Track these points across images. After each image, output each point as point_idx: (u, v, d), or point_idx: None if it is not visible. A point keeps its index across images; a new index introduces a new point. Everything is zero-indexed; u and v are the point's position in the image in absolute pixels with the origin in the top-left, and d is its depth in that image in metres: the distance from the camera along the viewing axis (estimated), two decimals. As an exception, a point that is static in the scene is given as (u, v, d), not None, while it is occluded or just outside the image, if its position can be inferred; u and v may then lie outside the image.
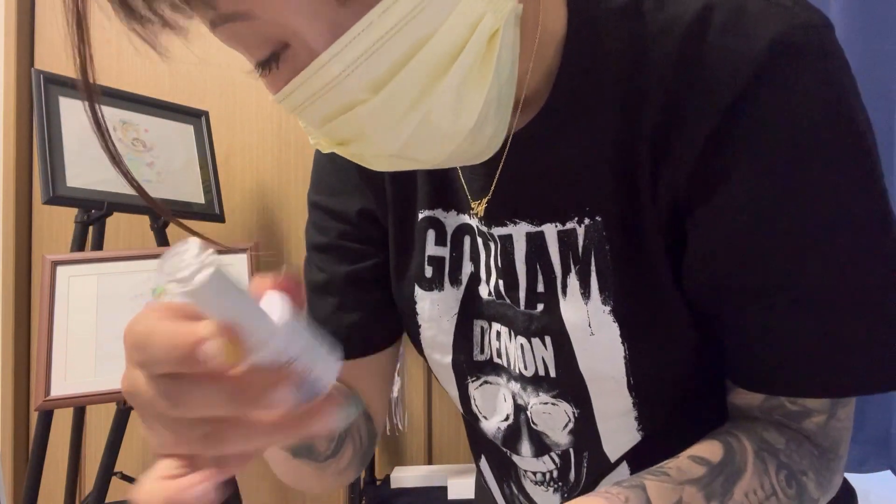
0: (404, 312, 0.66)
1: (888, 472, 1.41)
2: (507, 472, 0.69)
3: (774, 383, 0.51)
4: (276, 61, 0.40)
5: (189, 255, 0.26)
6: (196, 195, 1.79)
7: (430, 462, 2.03)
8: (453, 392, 0.67)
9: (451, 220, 0.61)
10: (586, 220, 0.52)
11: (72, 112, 1.58)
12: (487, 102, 0.41)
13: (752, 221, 0.47)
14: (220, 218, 1.82)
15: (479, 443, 0.72)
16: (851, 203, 0.45)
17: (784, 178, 0.45)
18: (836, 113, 0.44)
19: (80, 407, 1.73)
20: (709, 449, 0.50)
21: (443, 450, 2.03)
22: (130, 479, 1.65)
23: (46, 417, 1.55)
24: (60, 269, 1.52)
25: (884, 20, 1.34)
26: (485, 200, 0.56)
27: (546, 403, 0.60)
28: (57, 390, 1.45)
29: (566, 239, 0.53)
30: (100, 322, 1.51)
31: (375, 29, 0.36)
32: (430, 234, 0.62)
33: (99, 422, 2.00)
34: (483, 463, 0.73)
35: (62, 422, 1.83)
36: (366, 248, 0.66)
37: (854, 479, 1.41)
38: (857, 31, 1.35)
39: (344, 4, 0.37)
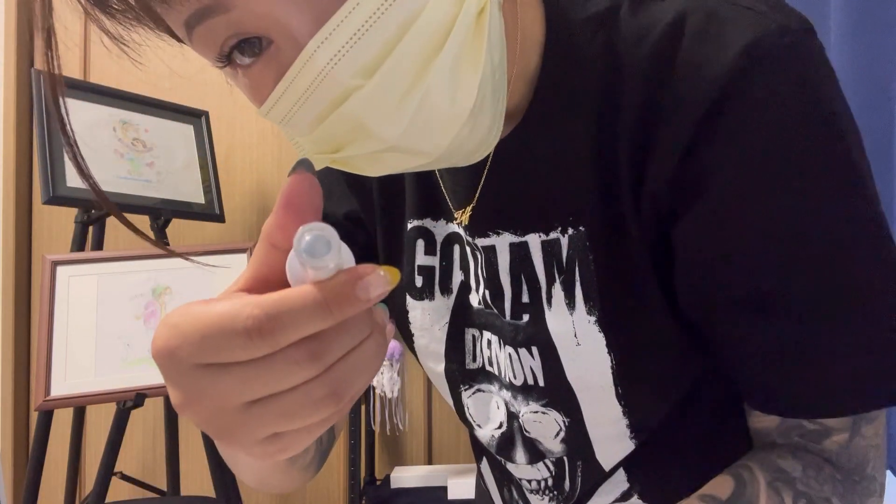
0: (397, 321, 0.66)
1: (888, 473, 1.41)
2: (507, 477, 0.69)
3: (785, 404, 0.48)
4: (257, 56, 0.39)
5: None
6: (196, 195, 1.79)
7: (430, 462, 2.03)
8: (448, 400, 0.67)
9: (441, 229, 0.61)
10: (570, 230, 0.51)
11: (72, 112, 1.57)
12: (483, 83, 0.40)
13: (734, 231, 0.45)
14: (220, 218, 1.82)
15: (479, 446, 0.71)
16: (834, 208, 0.44)
17: (760, 186, 0.44)
18: (813, 118, 0.43)
19: (80, 407, 1.73)
20: (719, 485, 0.48)
21: (443, 450, 2.03)
22: (130, 479, 1.65)
23: (46, 417, 1.55)
24: (60, 269, 1.52)
25: (883, 20, 1.34)
26: (469, 208, 0.56)
27: (536, 412, 0.59)
28: (57, 390, 1.45)
29: (550, 249, 0.53)
30: (100, 322, 1.51)
31: (362, 10, 0.35)
32: (420, 244, 0.62)
33: (99, 422, 2.00)
34: (484, 465, 0.72)
35: (62, 422, 1.83)
36: (350, 248, 0.66)
37: (854, 478, 1.41)
38: (856, 30, 1.35)
39: None
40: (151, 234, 1.73)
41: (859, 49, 1.34)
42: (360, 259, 0.67)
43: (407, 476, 1.81)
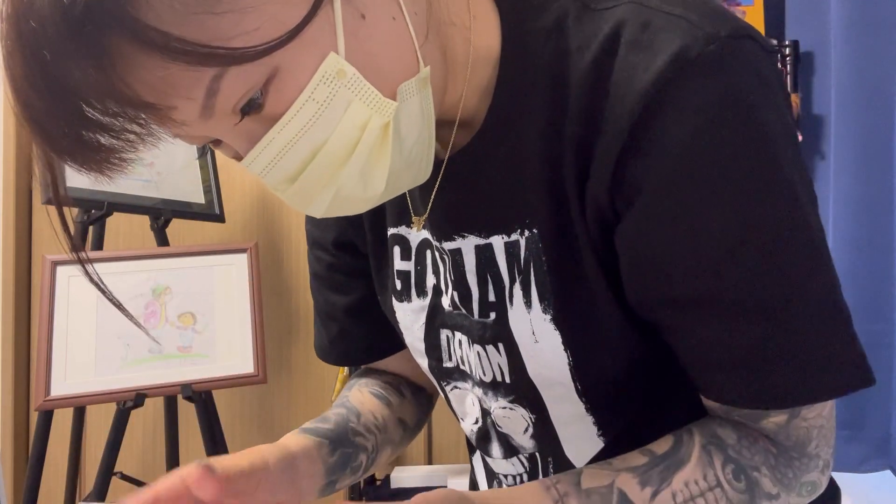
0: (392, 320, 0.69)
1: (888, 472, 1.41)
2: (493, 471, 0.70)
3: (719, 392, 0.51)
4: (218, 146, 0.50)
5: None
6: (196, 195, 1.79)
7: (430, 462, 2.03)
8: (441, 393, 0.70)
9: (414, 236, 0.64)
10: (526, 232, 0.54)
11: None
12: (392, 172, 0.47)
13: (666, 235, 0.48)
14: (220, 218, 1.82)
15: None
16: (759, 211, 0.46)
17: (686, 193, 0.46)
18: (737, 123, 0.45)
19: (80, 407, 1.73)
20: (660, 443, 0.52)
21: (443, 450, 2.03)
22: (130, 479, 1.65)
23: (46, 417, 1.55)
24: (60, 269, 1.52)
25: (883, 20, 1.34)
26: (423, 219, 0.59)
27: (505, 408, 0.62)
28: (57, 390, 1.45)
29: (511, 250, 0.55)
30: (100, 322, 1.51)
31: (278, 141, 0.44)
32: (396, 250, 0.65)
33: (99, 422, 2.00)
34: (476, 458, 0.74)
35: (62, 422, 1.83)
36: (350, 280, 0.72)
37: (854, 479, 1.42)
38: (856, 30, 1.35)
39: (256, 121, 0.45)
40: (151, 234, 1.73)
41: (859, 49, 1.34)
42: (362, 285, 0.72)
43: (407, 476, 1.81)
